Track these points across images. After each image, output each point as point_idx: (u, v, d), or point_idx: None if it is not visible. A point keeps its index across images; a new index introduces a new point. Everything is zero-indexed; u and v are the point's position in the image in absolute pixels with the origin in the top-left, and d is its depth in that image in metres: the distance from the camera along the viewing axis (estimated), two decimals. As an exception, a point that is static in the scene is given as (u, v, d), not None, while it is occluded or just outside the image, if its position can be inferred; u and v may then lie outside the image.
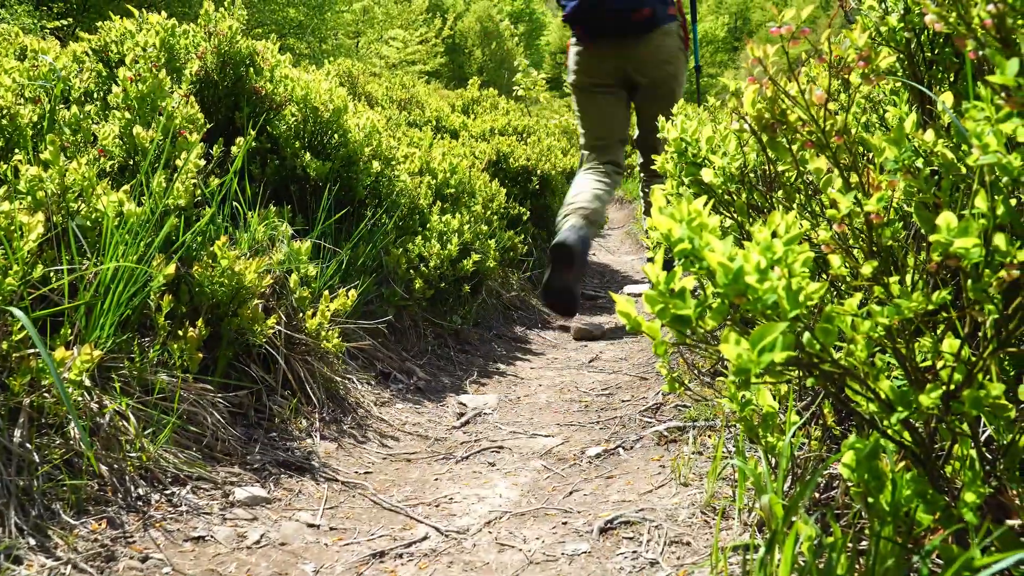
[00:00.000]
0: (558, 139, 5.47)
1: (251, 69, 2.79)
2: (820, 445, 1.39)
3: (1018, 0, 0.86)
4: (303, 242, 2.38)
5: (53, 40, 12.13)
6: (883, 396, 0.87)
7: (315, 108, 2.83)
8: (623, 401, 2.45)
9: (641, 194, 4.08)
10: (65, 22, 14.41)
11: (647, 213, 3.99)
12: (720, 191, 1.40)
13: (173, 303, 1.80)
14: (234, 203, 2.33)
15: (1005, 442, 0.97)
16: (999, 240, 0.87)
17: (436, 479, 1.82)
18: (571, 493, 1.69)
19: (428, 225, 3.17)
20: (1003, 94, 0.81)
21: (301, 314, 2.22)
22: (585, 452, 1.93)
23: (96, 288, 1.63)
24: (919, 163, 1.01)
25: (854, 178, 1.05)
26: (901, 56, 1.32)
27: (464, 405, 2.42)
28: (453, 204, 3.49)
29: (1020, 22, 0.86)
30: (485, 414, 2.34)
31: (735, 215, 1.43)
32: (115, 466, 1.50)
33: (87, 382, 1.57)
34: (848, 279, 0.93)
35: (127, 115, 2.19)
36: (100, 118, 2.39)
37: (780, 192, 1.31)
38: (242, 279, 1.91)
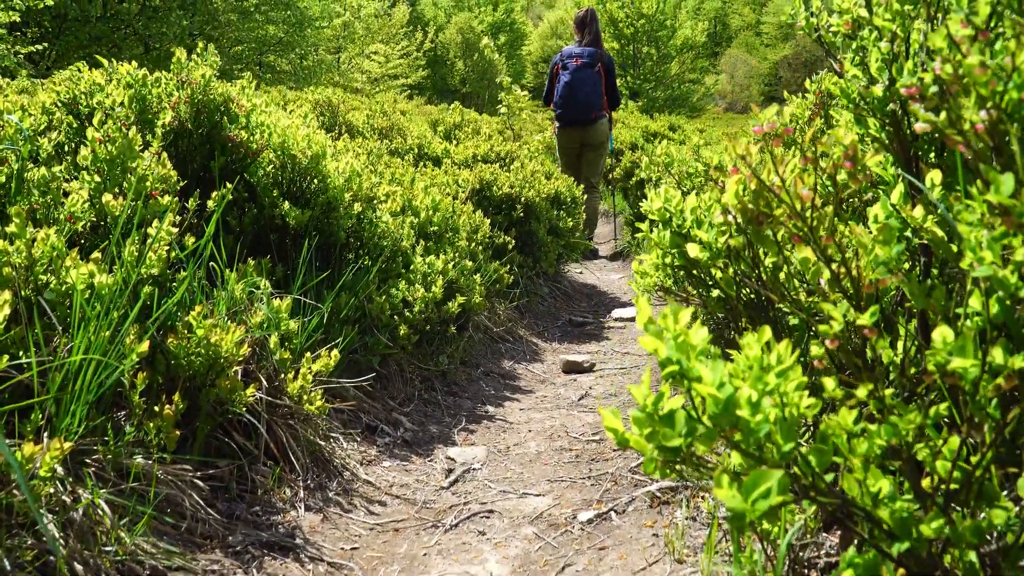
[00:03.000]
0: (542, 161, 5.43)
1: (225, 118, 2.75)
2: (816, 523, 1.36)
3: (1010, 104, 0.82)
4: (283, 299, 2.33)
5: (23, 78, 12.05)
6: (884, 526, 0.83)
7: (293, 155, 2.79)
8: (614, 450, 2.41)
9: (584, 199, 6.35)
10: (40, 47, 14.30)
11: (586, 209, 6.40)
12: (706, 265, 1.36)
13: (148, 379, 1.75)
14: (211, 263, 2.28)
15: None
16: (996, 354, 0.84)
17: (425, 553, 1.77)
18: (564, 568, 1.64)
19: (412, 266, 3.12)
20: (998, 211, 0.78)
21: (283, 375, 2.17)
22: (577, 517, 1.89)
23: (65, 376, 1.58)
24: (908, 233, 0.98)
25: (842, 270, 1.02)
26: (888, 128, 1.29)
27: (452, 460, 2.37)
28: (436, 242, 3.44)
29: (1014, 128, 0.82)
30: (474, 469, 2.29)
31: (722, 287, 1.40)
32: (91, 562, 1.44)
33: (60, 470, 1.52)
34: (842, 398, 0.89)
35: (96, 178, 2.14)
36: (71, 175, 2.34)
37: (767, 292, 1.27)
38: (219, 350, 1.86)
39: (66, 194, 2.24)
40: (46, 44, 15.18)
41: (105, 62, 2.76)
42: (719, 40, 49.01)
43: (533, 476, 2.24)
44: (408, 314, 2.91)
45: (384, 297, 2.83)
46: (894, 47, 1.26)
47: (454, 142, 5.66)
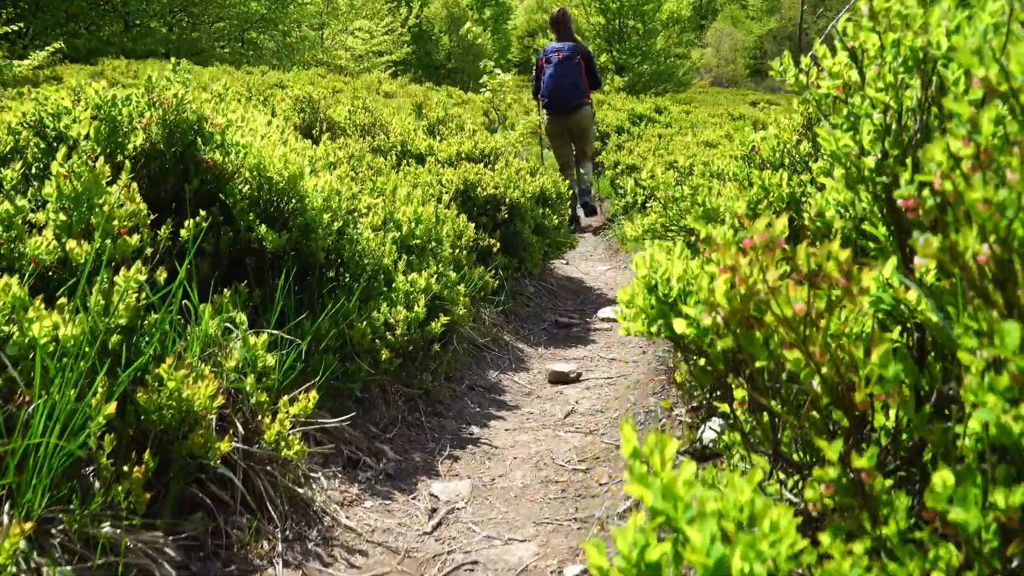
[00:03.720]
0: (528, 156, 5.35)
1: (199, 139, 2.66)
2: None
3: (1016, 240, 0.77)
4: (260, 334, 2.27)
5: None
6: None
7: (269, 177, 2.71)
8: (601, 484, 2.37)
9: (575, 165, 8.28)
10: (17, 26, 14.04)
11: (576, 171, 8.26)
12: (694, 342, 1.31)
13: (116, 439, 1.69)
14: (184, 300, 2.21)
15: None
16: (999, 498, 0.79)
17: (405, 615, 1.72)
18: (547, 635, 1.60)
19: (394, 284, 3.06)
20: (1005, 368, 0.72)
21: (260, 417, 2.11)
22: (563, 572, 1.84)
23: (26, 449, 1.52)
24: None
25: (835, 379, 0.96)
26: (880, 202, 1.23)
27: (436, 498, 2.32)
28: (419, 255, 3.38)
29: (1020, 267, 0.77)
30: (458, 508, 2.25)
31: (711, 361, 1.34)
32: (56, 646, 1.39)
33: (23, 545, 1.46)
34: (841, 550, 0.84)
35: (62, 216, 2.06)
36: (38, 204, 2.26)
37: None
38: (191, 404, 1.80)
39: (32, 226, 2.17)
40: (22, 24, 14.89)
41: (73, 82, 2.67)
42: (704, 13, 48.71)
43: (519, 517, 2.19)
44: (390, 337, 2.84)
45: (365, 323, 2.76)
46: (887, 118, 1.20)
47: (438, 138, 5.57)
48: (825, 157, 1.87)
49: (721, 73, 45.80)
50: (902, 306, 1.21)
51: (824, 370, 0.93)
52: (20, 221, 2.04)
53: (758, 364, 1.01)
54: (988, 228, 0.77)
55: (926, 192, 0.90)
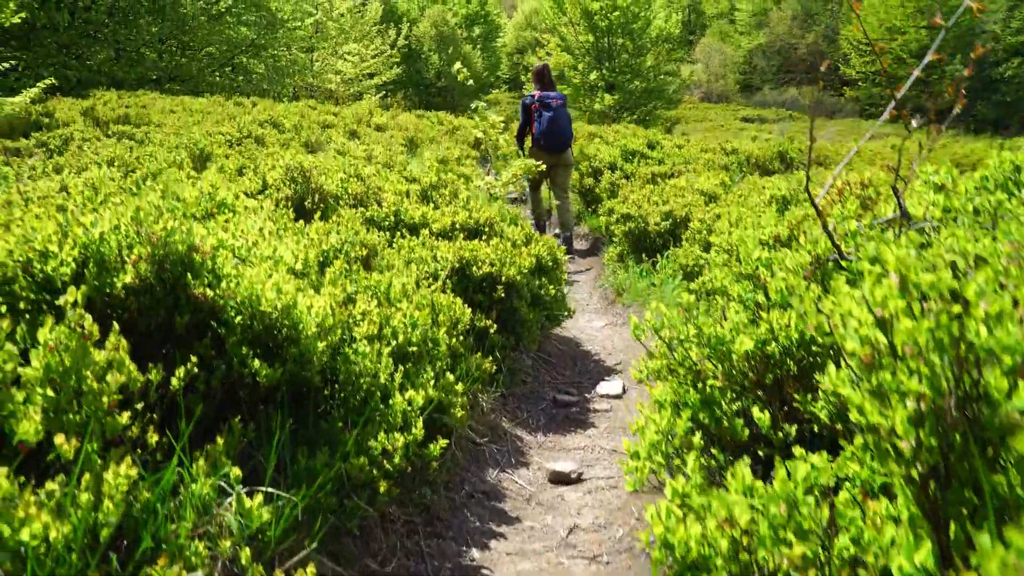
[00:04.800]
0: (522, 225, 5.29)
1: (189, 275, 2.59)
2: None
3: None
4: (255, 495, 2.19)
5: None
6: None
7: (262, 311, 2.63)
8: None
9: (556, 203, 9.85)
10: (8, 64, 13.96)
11: (558, 208, 9.87)
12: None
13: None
14: (177, 469, 2.13)
15: None
16: None
17: None
18: None
19: (390, 401, 2.98)
20: None
21: (255, 591, 2.03)
22: None
23: None
24: None
25: None
26: (913, 485, 1.17)
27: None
28: (415, 363, 3.30)
29: None
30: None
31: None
32: None
33: None
34: None
35: (50, 392, 1.98)
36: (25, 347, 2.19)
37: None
38: (185, 610, 1.72)
39: (17, 381, 2.09)
40: (14, 61, 14.81)
41: (60, 218, 2.58)
42: (693, 29, 48.87)
43: None
44: (388, 465, 2.77)
45: (364, 458, 2.69)
46: (921, 407, 1.14)
47: (432, 204, 5.50)
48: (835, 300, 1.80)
49: (711, 88, 45.91)
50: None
51: None
52: (4, 398, 1.96)
53: None
54: None
55: None
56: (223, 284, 2.66)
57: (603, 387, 4.93)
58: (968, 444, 1.13)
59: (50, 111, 12.25)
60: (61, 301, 2.12)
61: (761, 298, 2.71)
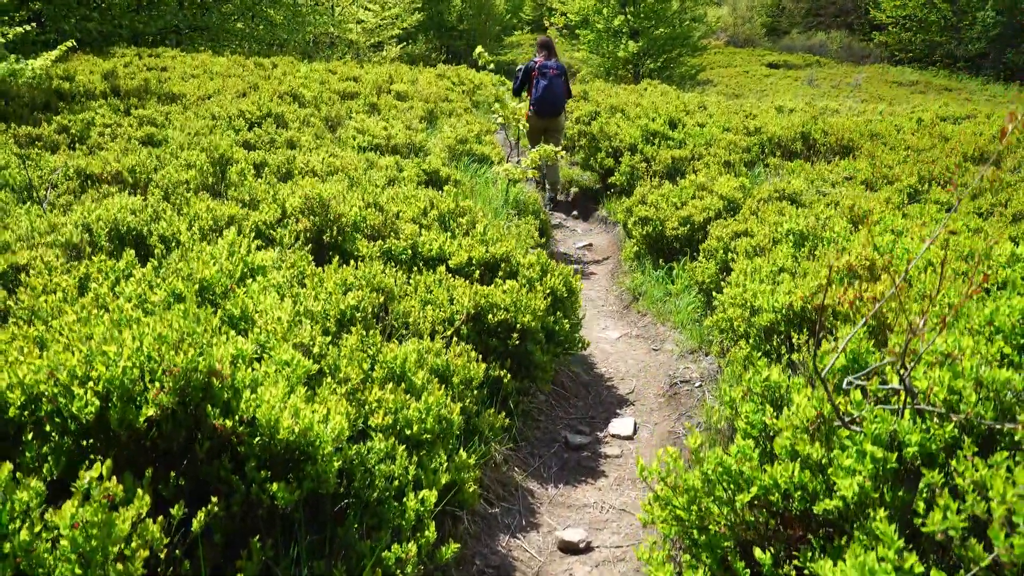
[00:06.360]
0: (538, 261, 5.31)
1: (209, 405, 2.67)
2: None
3: None
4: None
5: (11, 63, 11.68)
6: None
7: (281, 439, 2.72)
8: None
9: (548, 164, 10.77)
10: (27, 27, 13.90)
11: (546, 169, 11.15)
12: None
13: None
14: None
15: None
16: None
17: None
18: None
19: (405, 500, 3.08)
20: None
21: None
22: None
23: None
24: None
25: None
26: None
27: None
28: (429, 450, 3.39)
29: None
30: None
31: None
32: None
33: None
34: None
35: (78, 570, 2.08)
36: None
37: None
38: None
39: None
40: (34, 25, 14.76)
41: (84, 349, 2.65)
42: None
43: None
44: (401, 574, 2.88)
45: (379, 570, 2.79)
46: None
47: (450, 233, 5.53)
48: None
49: (737, 32, 44.97)
50: None
51: None
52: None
53: None
54: None
55: None
56: (242, 406, 2.74)
57: (615, 426, 5.02)
58: None
59: (71, 74, 12.23)
60: (84, 478, 2.20)
61: (769, 419, 2.77)
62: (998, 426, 2.10)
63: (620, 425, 5.02)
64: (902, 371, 2.17)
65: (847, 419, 2.34)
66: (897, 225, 5.09)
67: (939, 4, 40.93)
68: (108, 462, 2.24)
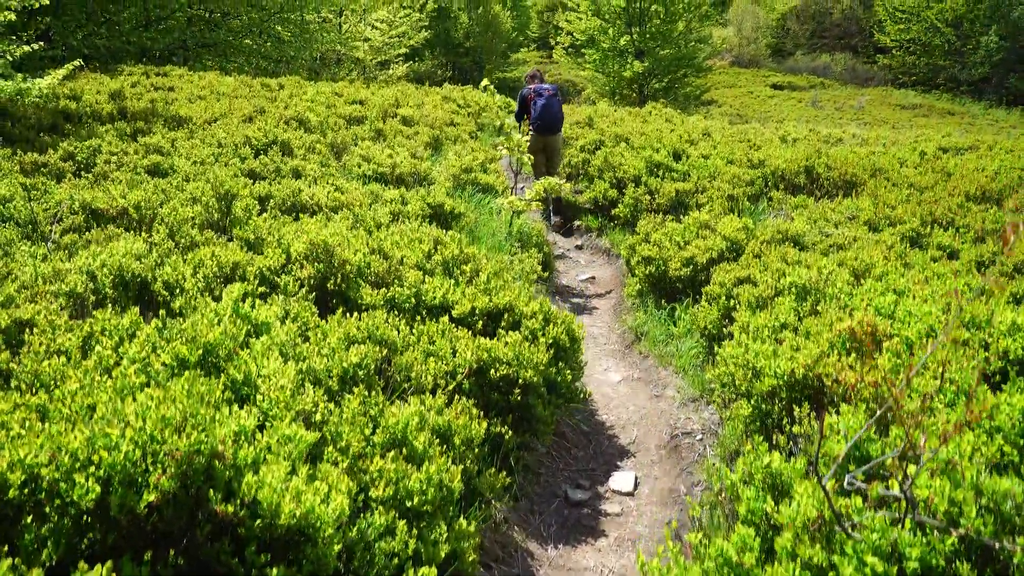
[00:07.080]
0: (541, 309, 5.32)
1: (211, 489, 2.68)
2: None
3: None
4: None
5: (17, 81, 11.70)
6: None
7: (283, 525, 2.72)
8: None
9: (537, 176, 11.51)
10: (35, 46, 13.95)
11: (537, 176, 11.70)
12: None
13: None
14: None
15: None
16: None
17: None
18: None
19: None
20: None
21: None
22: None
23: None
24: None
25: None
26: None
27: None
28: (429, 522, 3.39)
29: None
30: None
31: None
32: None
33: None
34: None
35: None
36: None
37: None
38: None
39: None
40: (40, 44, 14.81)
41: (87, 431, 2.66)
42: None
43: None
44: (400, 660, 2.88)
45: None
46: None
47: (453, 278, 5.55)
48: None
49: (742, 52, 45.11)
50: None
51: None
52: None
53: None
54: None
55: None
56: (243, 489, 2.74)
57: (615, 481, 5.01)
58: None
59: (78, 93, 12.29)
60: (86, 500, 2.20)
61: (770, 507, 2.77)
62: (997, 545, 2.10)
63: (621, 480, 5.01)
64: (904, 481, 2.17)
65: (848, 524, 2.34)
66: (899, 283, 5.10)
67: (943, 28, 41.07)
68: (108, 563, 2.24)
